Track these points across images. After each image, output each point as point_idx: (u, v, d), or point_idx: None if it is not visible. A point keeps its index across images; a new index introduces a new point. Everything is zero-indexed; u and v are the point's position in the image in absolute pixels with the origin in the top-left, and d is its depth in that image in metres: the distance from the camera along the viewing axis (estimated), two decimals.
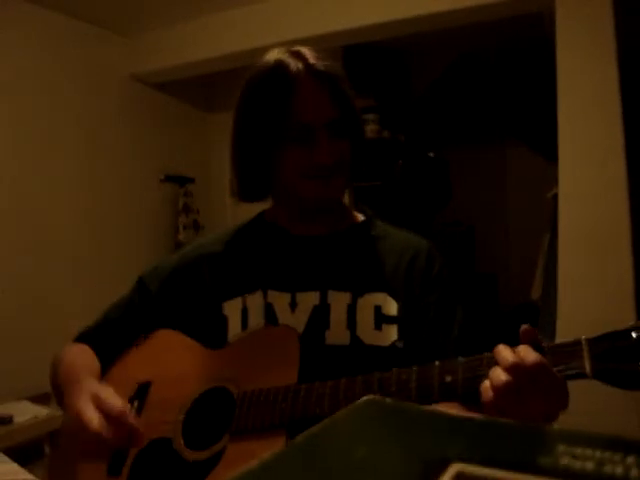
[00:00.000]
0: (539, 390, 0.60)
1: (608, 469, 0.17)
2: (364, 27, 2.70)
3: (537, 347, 0.63)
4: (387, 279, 0.86)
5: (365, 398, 0.23)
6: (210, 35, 3.06)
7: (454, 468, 0.18)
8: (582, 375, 0.60)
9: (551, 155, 2.38)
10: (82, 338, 0.97)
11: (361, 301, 0.84)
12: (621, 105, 2.09)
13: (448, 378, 0.65)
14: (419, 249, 0.91)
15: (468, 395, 0.65)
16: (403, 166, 3.79)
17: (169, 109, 3.62)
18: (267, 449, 0.71)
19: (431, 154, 3.94)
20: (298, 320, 0.84)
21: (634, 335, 0.59)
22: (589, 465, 0.17)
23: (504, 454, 0.18)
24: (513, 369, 0.60)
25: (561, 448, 0.18)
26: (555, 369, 0.61)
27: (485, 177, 4.40)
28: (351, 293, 0.84)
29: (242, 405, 0.76)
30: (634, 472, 0.16)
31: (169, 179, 3.57)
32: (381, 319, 0.83)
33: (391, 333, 0.82)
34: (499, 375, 0.61)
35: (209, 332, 0.88)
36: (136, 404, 0.86)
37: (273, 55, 0.87)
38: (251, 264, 0.92)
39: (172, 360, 0.89)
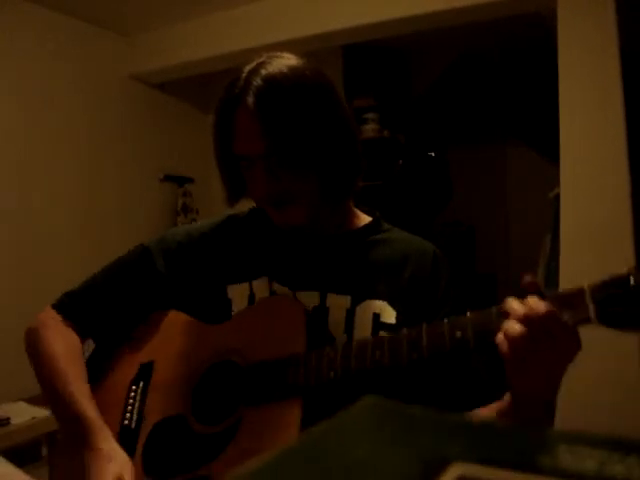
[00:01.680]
0: (552, 337, 0.63)
1: (608, 469, 0.17)
2: (364, 26, 2.70)
3: (542, 297, 0.65)
4: (388, 287, 0.85)
5: (366, 399, 0.23)
6: (210, 35, 3.06)
7: (454, 468, 0.17)
8: (587, 320, 0.62)
9: (553, 155, 2.38)
10: (67, 308, 0.93)
11: (360, 307, 0.83)
12: (623, 104, 2.09)
13: (458, 334, 0.67)
14: (425, 257, 0.89)
15: (480, 349, 0.67)
16: (403, 166, 3.79)
17: (169, 109, 3.62)
18: (284, 417, 0.72)
19: (432, 154, 3.94)
20: None
21: (632, 280, 0.61)
22: (589, 465, 0.17)
23: (504, 454, 0.18)
24: (525, 319, 0.63)
25: (561, 448, 0.18)
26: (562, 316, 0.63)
27: (485, 177, 4.40)
28: (351, 297, 0.84)
29: (252, 376, 0.77)
30: (635, 472, 0.16)
31: (168, 179, 3.57)
32: (378, 326, 0.82)
33: None
34: (513, 326, 0.63)
35: (212, 313, 0.88)
36: (141, 385, 0.86)
37: (240, 69, 0.82)
38: (257, 251, 0.91)
39: (173, 338, 0.88)
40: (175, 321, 0.90)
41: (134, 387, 0.87)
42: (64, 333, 0.91)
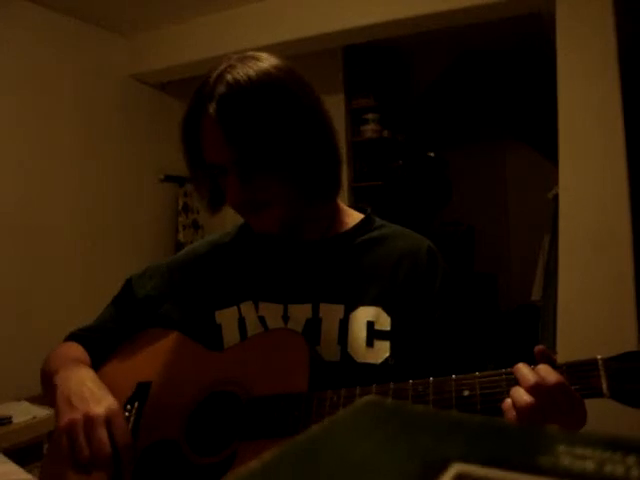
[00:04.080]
0: (560, 409, 0.62)
1: (608, 469, 0.17)
2: (364, 26, 2.70)
3: (553, 366, 0.64)
4: (382, 291, 0.83)
5: (365, 399, 0.23)
6: (210, 34, 3.06)
7: (454, 468, 0.17)
8: (599, 394, 0.61)
9: (552, 155, 2.38)
10: (70, 338, 0.96)
11: (353, 315, 0.81)
12: (622, 105, 2.09)
13: (466, 392, 0.66)
14: (419, 253, 0.86)
15: (487, 411, 0.65)
16: (403, 166, 3.79)
17: (169, 109, 3.62)
18: None
19: (431, 154, 3.94)
20: None
21: None
22: (589, 465, 0.17)
23: (504, 454, 0.18)
24: (535, 389, 0.62)
25: (561, 448, 0.18)
26: (572, 388, 0.62)
27: (485, 177, 4.41)
28: (344, 306, 0.82)
29: (251, 411, 0.75)
30: (634, 472, 0.16)
31: (169, 179, 3.57)
32: (373, 335, 0.80)
33: (383, 350, 0.80)
34: (522, 395, 0.62)
35: (202, 340, 0.87)
36: (136, 405, 0.85)
37: (208, 75, 0.79)
38: (243, 272, 0.90)
39: (173, 360, 0.88)
40: (178, 343, 0.89)
41: (129, 406, 0.85)
42: (65, 342, 0.95)
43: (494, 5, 2.41)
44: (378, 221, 0.93)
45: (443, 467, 0.17)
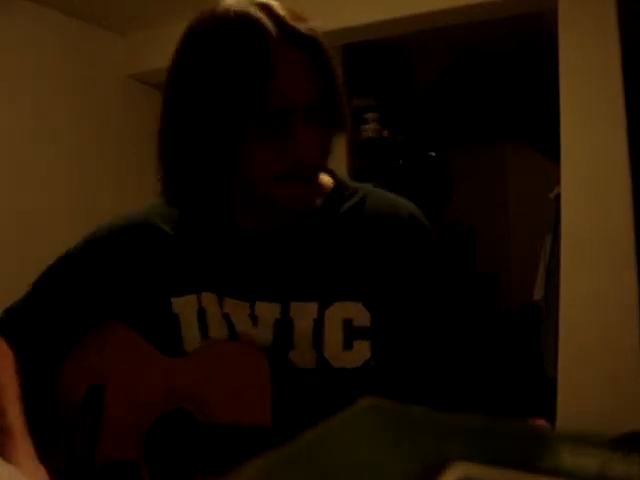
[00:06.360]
0: None
1: (610, 469, 0.17)
2: (364, 25, 2.70)
3: None
4: (359, 282, 0.73)
5: (364, 400, 0.23)
6: None
7: (454, 468, 0.17)
8: None
9: (553, 155, 2.38)
10: (5, 327, 0.86)
11: (329, 313, 0.72)
12: (624, 105, 2.09)
13: None
14: (399, 226, 0.75)
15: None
16: (403, 166, 3.79)
17: None
18: None
19: (432, 154, 3.94)
20: (263, 337, 0.73)
21: None
22: (590, 465, 0.17)
23: (505, 454, 0.18)
24: None
25: (562, 448, 0.18)
26: None
27: (485, 177, 4.40)
28: (317, 303, 0.72)
29: (211, 440, 0.70)
30: (636, 472, 0.16)
31: None
32: (352, 335, 0.71)
33: (363, 351, 0.72)
34: None
35: (158, 329, 0.78)
36: (89, 419, 0.78)
37: (233, 4, 0.66)
38: (203, 258, 0.78)
39: (127, 365, 0.79)
40: (131, 343, 0.80)
41: (83, 417, 0.77)
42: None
43: (495, 4, 2.41)
44: (351, 187, 0.80)
45: (443, 467, 0.17)
